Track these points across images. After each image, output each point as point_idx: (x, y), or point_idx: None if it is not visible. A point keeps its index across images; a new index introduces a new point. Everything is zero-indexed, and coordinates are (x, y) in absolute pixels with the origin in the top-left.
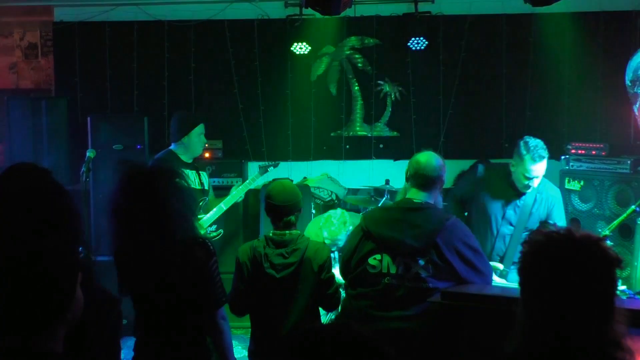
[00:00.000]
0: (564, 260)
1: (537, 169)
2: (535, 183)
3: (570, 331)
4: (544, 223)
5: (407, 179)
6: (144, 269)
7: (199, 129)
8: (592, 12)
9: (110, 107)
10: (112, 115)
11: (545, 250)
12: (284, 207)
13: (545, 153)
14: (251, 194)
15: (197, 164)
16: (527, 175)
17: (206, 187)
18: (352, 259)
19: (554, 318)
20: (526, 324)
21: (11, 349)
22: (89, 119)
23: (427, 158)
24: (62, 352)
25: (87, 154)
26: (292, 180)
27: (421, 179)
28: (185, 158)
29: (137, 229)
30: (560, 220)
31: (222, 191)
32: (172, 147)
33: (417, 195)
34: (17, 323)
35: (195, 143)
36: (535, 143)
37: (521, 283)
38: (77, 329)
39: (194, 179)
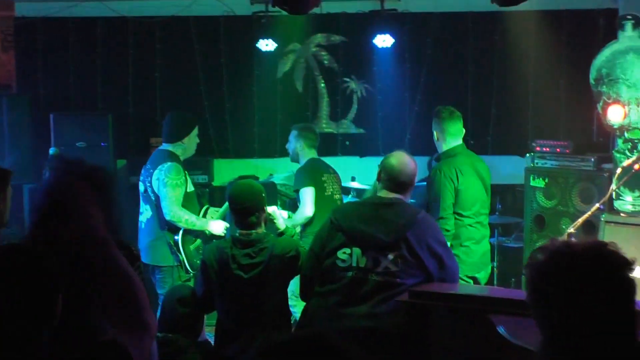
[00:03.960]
0: (568, 275)
1: None
2: None
3: (590, 346)
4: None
5: (378, 179)
6: (63, 270)
7: (196, 129)
8: (556, 11)
9: (74, 104)
10: (75, 113)
11: (549, 269)
12: (243, 208)
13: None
14: (217, 191)
15: None
16: None
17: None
18: (323, 251)
19: (571, 336)
20: (542, 343)
21: None
22: (51, 116)
23: (401, 163)
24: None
25: (50, 152)
26: (257, 178)
27: (393, 184)
28: (182, 158)
29: (56, 229)
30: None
31: None
32: (168, 147)
33: (388, 195)
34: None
35: (193, 144)
36: None
37: (530, 304)
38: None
39: (188, 179)
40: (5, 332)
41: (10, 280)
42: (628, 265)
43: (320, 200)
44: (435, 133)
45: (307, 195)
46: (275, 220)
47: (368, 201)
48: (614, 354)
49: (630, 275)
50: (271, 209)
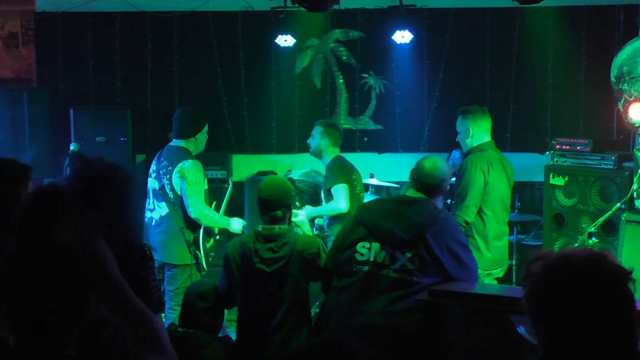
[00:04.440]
0: (567, 289)
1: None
2: (459, 140)
3: (590, 358)
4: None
5: (410, 179)
6: None
7: (207, 126)
8: (576, 6)
9: (93, 99)
10: (94, 108)
11: (548, 283)
12: (269, 200)
13: (459, 111)
14: (235, 186)
15: None
16: None
17: None
18: (343, 244)
19: (571, 348)
20: (541, 352)
21: (22, 352)
22: (71, 111)
23: (432, 165)
24: (74, 355)
25: (71, 147)
26: (276, 174)
27: (420, 184)
28: (194, 155)
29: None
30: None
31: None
32: (181, 143)
33: (413, 194)
34: (28, 326)
35: (204, 140)
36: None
37: (528, 315)
38: (89, 330)
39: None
40: (42, 327)
41: (49, 277)
42: (627, 276)
43: (351, 198)
44: (467, 129)
45: (342, 192)
46: (301, 227)
47: (392, 198)
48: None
49: (630, 286)
50: (300, 218)
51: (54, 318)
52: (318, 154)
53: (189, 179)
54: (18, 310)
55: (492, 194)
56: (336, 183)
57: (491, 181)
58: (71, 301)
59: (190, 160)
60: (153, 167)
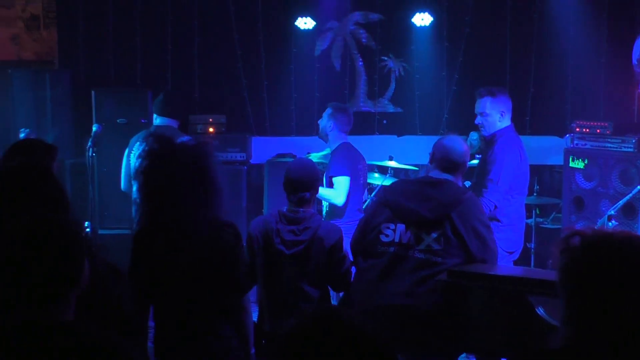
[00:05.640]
0: (606, 267)
1: (477, 105)
2: (481, 122)
3: (627, 338)
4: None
5: (430, 161)
6: (171, 250)
7: None
8: None
9: (114, 80)
10: (115, 89)
11: (586, 259)
12: (300, 182)
13: (485, 92)
14: (254, 168)
15: None
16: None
17: None
18: (368, 225)
19: (607, 327)
20: (573, 323)
21: (23, 320)
22: (92, 92)
23: (454, 143)
24: (72, 320)
25: (94, 128)
26: (295, 156)
27: (447, 163)
28: None
29: (177, 206)
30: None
31: (226, 166)
32: (173, 123)
33: (438, 175)
34: (30, 293)
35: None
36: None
37: (562, 290)
38: (85, 298)
39: None
40: (36, 291)
41: (44, 244)
42: None
43: (353, 188)
44: (498, 112)
45: (343, 185)
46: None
47: (416, 179)
48: None
49: None
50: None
51: (52, 284)
52: (324, 137)
53: None
54: (16, 278)
55: (521, 177)
56: (339, 174)
57: (523, 165)
58: (68, 267)
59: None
60: None
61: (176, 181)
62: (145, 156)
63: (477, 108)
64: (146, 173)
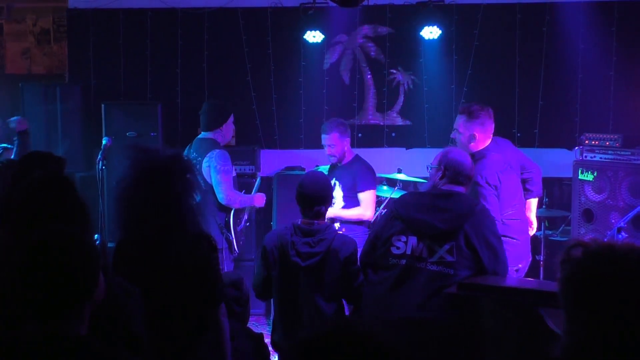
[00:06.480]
0: (609, 278)
1: (455, 120)
2: (455, 137)
3: (628, 341)
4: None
5: (441, 178)
6: (149, 261)
7: (232, 117)
8: (607, 2)
9: (124, 94)
10: (125, 103)
11: (589, 270)
12: (314, 197)
13: (464, 109)
14: (264, 181)
15: None
16: None
17: None
18: (379, 239)
19: (608, 338)
20: (574, 333)
21: (38, 333)
22: (102, 106)
23: (464, 158)
24: (86, 334)
25: (103, 142)
26: (304, 169)
27: (460, 176)
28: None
29: (147, 220)
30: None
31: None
32: (209, 135)
33: (450, 188)
34: (44, 306)
35: (230, 130)
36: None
37: (563, 300)
38: (99, 312)
39: None
40: (51, 304)
41: (60, 257)
42: None
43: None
44: (470, 132)
45: (372, 199)
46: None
47: (428, 192)
48: None
49: None
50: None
51: (66, 298)
52: (342, 159)
53: (218, 168)
54: (31, 292)
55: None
56: (369, 188)
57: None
58: (82, 280)
59: (217, 150)
60: None
61: (152, 193)
62: (124, 168)
63: (454, 123)
64: (123, 184)
